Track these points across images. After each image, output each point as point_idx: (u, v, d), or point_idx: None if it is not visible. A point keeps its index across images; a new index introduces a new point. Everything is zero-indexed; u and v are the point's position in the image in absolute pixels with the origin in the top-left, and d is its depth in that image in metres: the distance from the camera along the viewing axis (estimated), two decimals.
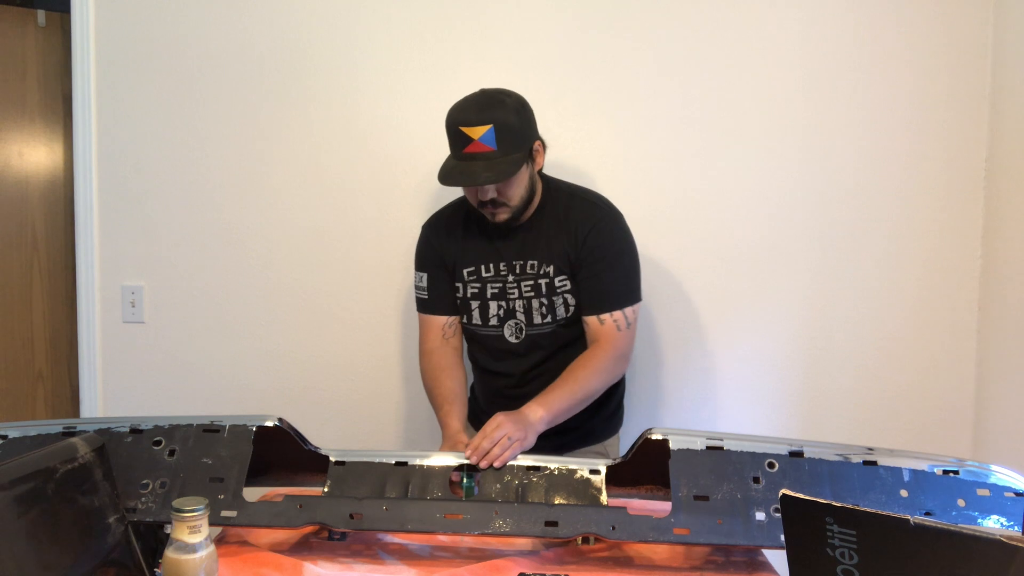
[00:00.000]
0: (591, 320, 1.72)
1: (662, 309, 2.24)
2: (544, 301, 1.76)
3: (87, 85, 2.31)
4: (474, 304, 1.80)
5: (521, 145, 1.64)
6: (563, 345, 1.78)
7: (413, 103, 2.24)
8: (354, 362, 2.32)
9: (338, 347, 2.32)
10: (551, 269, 1.74)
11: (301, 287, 2.32)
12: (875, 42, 2.15)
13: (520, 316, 1.77)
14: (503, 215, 1.70)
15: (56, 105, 2.50)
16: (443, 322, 1.83)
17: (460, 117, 1.64)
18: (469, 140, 1.61)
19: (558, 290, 1.75)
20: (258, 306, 2.33)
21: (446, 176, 1.65)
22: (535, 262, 1.75)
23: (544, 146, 1.76)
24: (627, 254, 1.77)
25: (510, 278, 1.77)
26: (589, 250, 1.72)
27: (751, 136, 2.19)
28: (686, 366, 2.26)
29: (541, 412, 1.56)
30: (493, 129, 1.60)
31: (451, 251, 1.81)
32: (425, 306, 1.84)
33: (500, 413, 1.51)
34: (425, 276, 1.83)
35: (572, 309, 1.76)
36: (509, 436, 1.44)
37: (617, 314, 1.71)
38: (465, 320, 1.83)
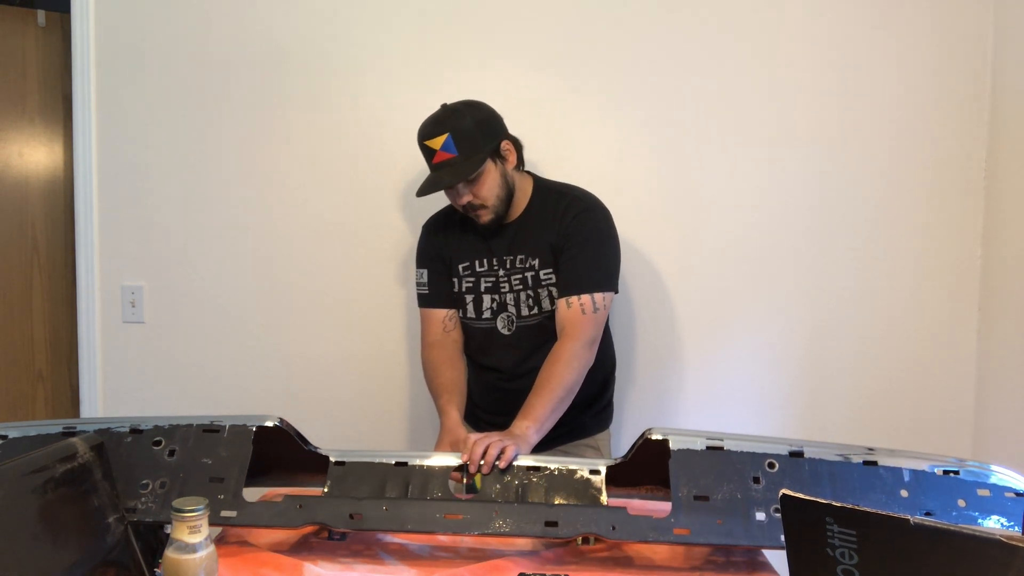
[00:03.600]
0: (560, 303, 1.76)
1: (662, 308, 2.24)
2: (531, 293, 1.82)
3: (87, 85, 2.31)
4: (468, 298, 1.87)
5: (481, 147, 1.74)
6: (551, 337, 1.80)
7: (413, 103, 2.23)
8: (355, 362, 2.32)
9: (338, 347, 2.32)
10: (537, 262, 1.81)
11: (302, 287, 2.32)
12: (875, 41, 2.15)
13: (511, 309, 1.84)
14: (485, 216, 1.79)
15: (56, 105, 2.50)
16: (443, 315, 1.90)
17: (422, 132, 1.78)
18: (433, 151, 1.75)
19: (543, 282, 1.81)
20: (258, 306, 2.33)
21: (420, 189, 1.77)
22: (523, 256, 1.82)
23: (516, 145, 1.83)
24: (604, 242, 1.81)
25: (501, 272, 1.84)
26: (568, 236, 1.78)
27: (751, 136, 2.19)
28: (685, 365, 2.26)
29: (527, 423, 1.58)
30: (450, 136, 1.72)
31: (448, 248, 1.89)
32: (426, 300, 1.91)
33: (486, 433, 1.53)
34: (425, 272, 1.91)
35: (556, 297, 1.80)
36: (501, 440, 1.44)
37: (585, 298, 1.74)
38: (461, 314, 1.90)
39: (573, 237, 1.77)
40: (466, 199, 1.76)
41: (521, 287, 1.83)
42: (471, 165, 1.72)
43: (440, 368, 1.84)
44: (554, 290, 1.80)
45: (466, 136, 1.73)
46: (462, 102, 1.80)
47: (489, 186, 1.76)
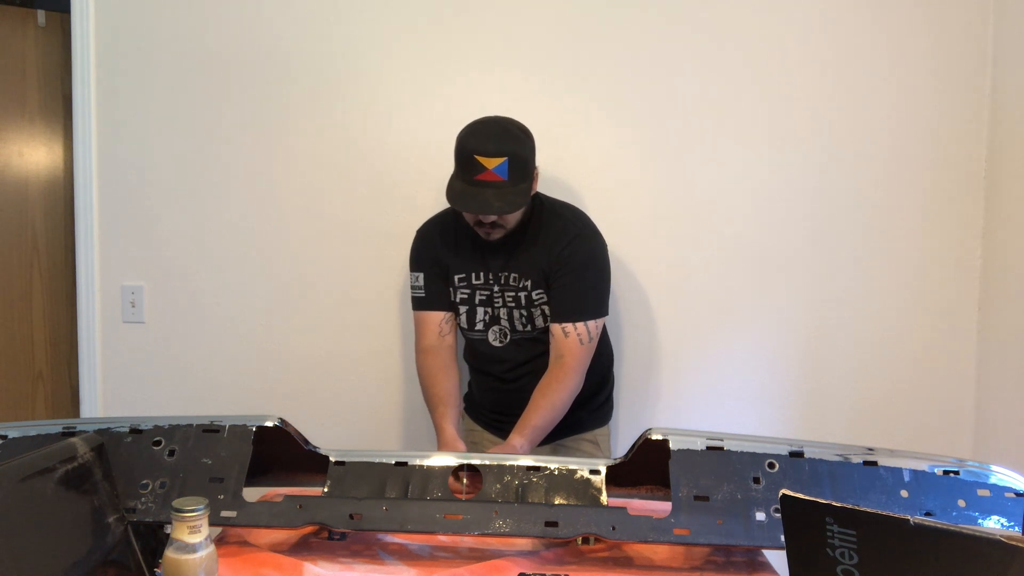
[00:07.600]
0: (556, 329, 1.79)
1: (662, 308, 2.24)
2: (524, 312, 1.84)
3: (87, 85, 2.31)
4: (462, 308, 1.87)
5: (528, 175, 1.73)
6: (544, 350, 1.84)
7: (412, 104, 2.24)
8: (354, 362, 2.32)
9: (338, 347, 2.32)
10: (529, 283, 1.82)
11: (302, 287, 2.32)
12: (874, 42, 2.15)
13: (504, 322, 1.86)
14: (498, 235, 1.77)
15: (56, 105, 2.50)
16: (440, 318, 1.88)
17: (477, 147, 1.69)
18: (482, 169, 1.67)
19: (536, 303, 1.83)
20: (258, 306, 2.33)
21: (457, 200, 1.70)
22: (516, 275, 1.82)
23: (537, 171, 1.81)
24: (595, 268, 1.83)
25: (495, 288, 1.84)
26: (561, 263, 1.79)
27: (751, 136, 2.19)
28: (686, 365, 2.26)
29: (520, 440, 1.66)
30: (507, 162, 1.67)
31: (445, 256, 1.87)
32: (422, 303, 1.89)
33: None
34: (421, 275, 1.88)
35: (550, 319, 1.83)
36: None
37: (580, 326, 1.77)
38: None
39: (567, 264, 1.78)
40: (491, 218, 1.72)
41: (514, 304, 1.84)
42: (520, 197, 1.69)
43: (435, 378, 1.82)
44: (546, 308, 1.83)
45: (521, 164, 1.69)
46: (514, 122, 1.76)
47: (518, 212, 1.75)
